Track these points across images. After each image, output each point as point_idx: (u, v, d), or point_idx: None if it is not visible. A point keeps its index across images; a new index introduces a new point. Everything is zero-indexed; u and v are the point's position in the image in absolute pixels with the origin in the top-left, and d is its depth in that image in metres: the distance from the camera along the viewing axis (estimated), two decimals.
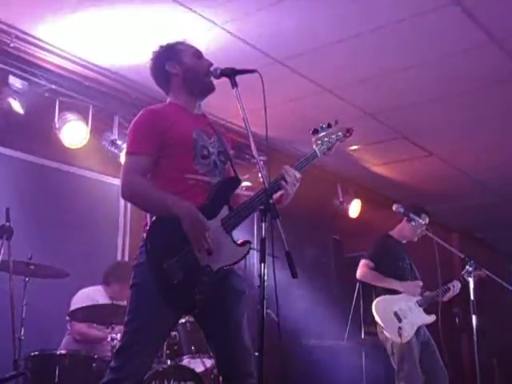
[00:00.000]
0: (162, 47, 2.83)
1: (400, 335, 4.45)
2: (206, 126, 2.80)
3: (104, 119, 5.19)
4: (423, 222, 4.55)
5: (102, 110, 5.09)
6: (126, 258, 5.58)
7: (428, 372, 4.49)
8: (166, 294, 2.44)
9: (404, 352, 4.45)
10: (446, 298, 4.71)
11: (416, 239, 4.88)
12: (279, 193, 2.61)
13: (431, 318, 4.66)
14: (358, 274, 4.81)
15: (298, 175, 2.62)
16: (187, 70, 2.75)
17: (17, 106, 4.51)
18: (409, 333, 4.48)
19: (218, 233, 2.52)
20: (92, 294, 4.57)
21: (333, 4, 3.86)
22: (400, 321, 4.52)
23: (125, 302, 4.51)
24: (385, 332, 4.56)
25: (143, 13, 3.97)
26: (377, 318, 4.64)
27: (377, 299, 4.71)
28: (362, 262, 4.80)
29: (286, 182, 2.57)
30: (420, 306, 4.66)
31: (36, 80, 4.60)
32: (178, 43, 2.83)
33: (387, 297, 4.67)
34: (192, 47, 2.82)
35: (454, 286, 4.67)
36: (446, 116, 5.57)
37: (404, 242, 4.91)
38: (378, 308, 4.68)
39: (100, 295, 4.61)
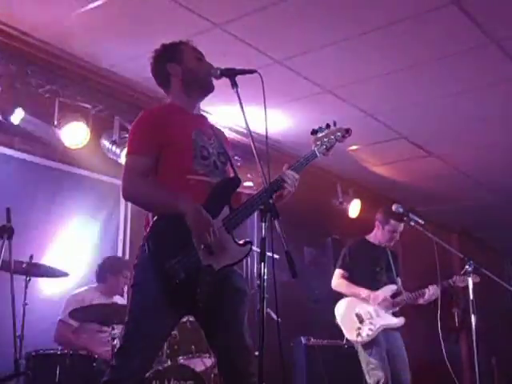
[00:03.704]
0: (163, 47, 2.84)
1: (358, 335, 4.51)
2: (206, 126, 2.82)
3: (104, 119, 5.20)
4: (423, 223, 4.52)
5: (102, 110, 5.10)
6: (127, 258, 5.58)
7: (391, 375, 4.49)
8: (168, 293, 2.45)
9: (371, 351, 4.48)
10: (422, 302, 4.68)
11: (392, 244, 4.90)
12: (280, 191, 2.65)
13: (398, 321, 4.65)
14: (332, 284, 4.83)
15: (297, 176, 2.65)
16: (187, 72, 2.76)
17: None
18: (368, 333, 4.51)
19: (219, 233, 2.52)
20: (85, 296, 4.52)
21: (333, 4, 3.87)
22: (361, 322, 4.56)
23: (122, 301, 4.55)
24: (343, 332, 4.64)
25: (143, 13, 3.98)
26: (337, 318, 4.71)
27: (342, 299, 4.77)
28: (336, 272, 4.82)
29: (285, 182, 2.61)
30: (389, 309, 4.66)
31: (36, 80, 4.61)
32: (180, 43, 2.83)
33: (353, 298, 4.70)
34: (193, 48, 2.83)
35: (429, 291, 4.63)
36: (446, 116, 5.57)
37: (382, 245, 4.88)
38: (339, 308, 4.74)
39: (93, 295, 4.57)
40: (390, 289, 4.72)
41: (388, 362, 4.48)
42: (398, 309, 4.70)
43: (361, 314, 4.61)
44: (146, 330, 2.48)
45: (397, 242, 4.97)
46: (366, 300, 4.65)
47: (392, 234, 4.80)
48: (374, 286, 4.69)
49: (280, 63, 4.59)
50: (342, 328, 4.67)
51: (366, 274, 4.72)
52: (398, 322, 4.65)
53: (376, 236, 4.89)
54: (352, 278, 4.74)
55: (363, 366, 4.54)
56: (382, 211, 4.86)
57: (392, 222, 4.73)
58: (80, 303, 4.37)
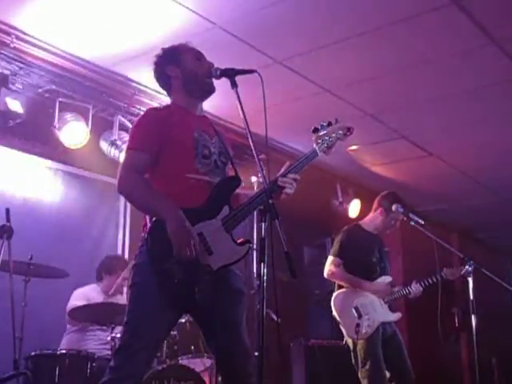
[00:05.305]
0: (163, 50, 2.84)
1: (357, 332, 4.32)
2: (208, 126, 2.82)
3: (104, 119, 5.19)
4: (423, 223, 4.49)
5: (102, 110, 5.10)
6: (126, 258, 5.58)
7: (392, 369, 4.37)
8: (167, 293, 2.45)
9: (367, 348, 4.33)
10: (412, 296, 4.56)
11: (388, 232, 4.77)
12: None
13: (396, 316, 4.54)
14: (325, 272, 4.61)
15: (297, 177, 2.65)
16: (186, 73, 2.77)
17: (17, 106, 4.52)
18: (367, 330, 4.35)
19: (218, 232, 2.53)
20: (87, 293, 4.64)
21: (333, 4, 3.87)
22: (360, 317, 4.38)
23: (124, 301, 4.56)
24: (341, 327, 4.46)
25: (142, 14, 3.98)
26: (334, 313, 4.52)
27: (337, 292, 4.57)
28: (330, 259, 4.62)
29: (284, 189, 2.61)
30: (385, 302, 4.51)
31: (36, 80, 4.61)
32: (179, 46, 2.84)
33: (349, 290, 4.53)
34: (192, 49, 2.83)
35: (413, 290, 4.51)
36: (446, 116, 5.57)
37: (375, 232, 4.72)
38: (337, 302, 4.53)
39: (95, 293, 4.68)
40: (385, 280, 4.61)
41: (385, 354, 4.36)
42: (393, 298, 4.55)
43: (359, 307, 4.44)
44: (145, 330, 2.48)
45: (395, 237, 4.90)
46: (363, 292, 4.50)
47: (395, 222, 4.65)
48: (369, 277, 4.55)
49: (280, 63, 4.59)
50: (340, 322, 4.49)
51: (363, 265, 4.56)
52: (395, 317, 4.54)
53: (374, 222, 4.72)
54: (347, 267, 4.56)
55: (358, 362, 4.38)
56: (387, 198, 4.68)
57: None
58: (85, 298, 4.49)
